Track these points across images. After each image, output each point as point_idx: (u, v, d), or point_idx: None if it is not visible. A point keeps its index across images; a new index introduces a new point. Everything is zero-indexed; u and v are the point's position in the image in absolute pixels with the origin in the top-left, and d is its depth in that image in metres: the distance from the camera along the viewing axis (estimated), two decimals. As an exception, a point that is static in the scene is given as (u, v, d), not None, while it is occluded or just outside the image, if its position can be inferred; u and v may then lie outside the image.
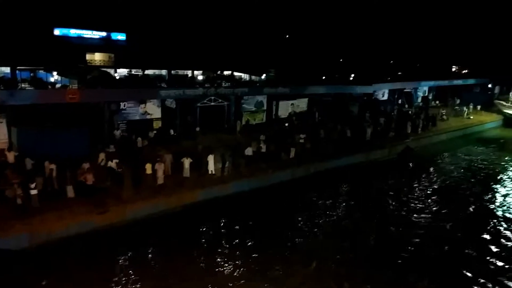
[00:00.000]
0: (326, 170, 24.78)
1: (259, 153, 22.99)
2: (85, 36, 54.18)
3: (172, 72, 50.12)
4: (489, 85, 54.05)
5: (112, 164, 18.02)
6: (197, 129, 26.61)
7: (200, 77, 48.94)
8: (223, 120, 29.34)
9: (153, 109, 26.23)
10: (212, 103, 28.20)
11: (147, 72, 49.12)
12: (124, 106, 24.92)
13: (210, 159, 20.20)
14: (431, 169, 27.82)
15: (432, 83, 46.90)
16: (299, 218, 18.59)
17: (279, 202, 20.31)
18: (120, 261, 14.26)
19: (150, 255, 14.80)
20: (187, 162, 19.21)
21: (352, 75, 50.07)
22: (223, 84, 33.83)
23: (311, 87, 32.94)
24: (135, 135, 24.04)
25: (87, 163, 17.46)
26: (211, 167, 20.22)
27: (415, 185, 24.16)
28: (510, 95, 39.63)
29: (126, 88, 25.88)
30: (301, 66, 53.11)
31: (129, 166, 18.71)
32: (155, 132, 25.41)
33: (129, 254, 14.68)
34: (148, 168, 18.25)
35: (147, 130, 25.08)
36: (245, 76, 52.03)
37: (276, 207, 19.72)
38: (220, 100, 28.35)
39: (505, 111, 38.39)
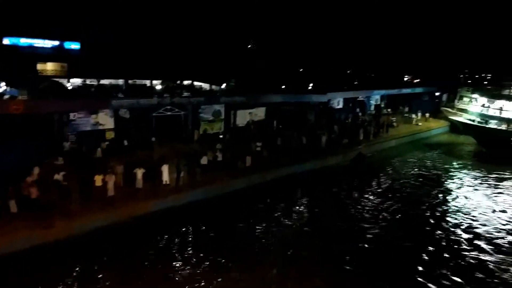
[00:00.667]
0: (282, 177, 25.25)
1: (215, 162, 23.08)
2: (36, 45, 52.22)
3: (130, 81, 49.42)
4: (437, 93, 57.38)
5: (59, 176, 17.40)
6: (153, 139, 26.28)
7: (158, 87, 48.39)
8: (180, 130, 29.13)
9: (105, 120, 25.61)
10: (168, 113, 27.98)
11: (103, 82, 48.03)
12: (74, 117, 24.18)
13: (164, 169, 20.02)
14: (382, 173, 29.02)
15: (383, 92, 49.18)
16: (254, 224, 18.82)
17: (234, 209, 20.47)
18: (66, 276, 13.75)
19: (98, 268, 14.37)
20: (139, 172, 18.93)
21: (311, 85, 51.55)
22: (183, 93, 33.67)
23: (267, 95, 33.57)
24: (86, 147, 23.41)
25: (32, 176, 16.76)
26: (165, 177, 20.04)
27: (366, 188, 25.19)
28: (455, 102, 42.16)
29: (75, 99, 25.12)
30: (260, 75, 54.11)
31: (77, 178, 18.16)
32: (107, 143, 24.80)
33: (76, 269, 14.21)
34: (98, 180, 17.82)
35: (99, 141, 24.42)
36: (205, 86, 52.00)
37: (231, 214, 19.87)
38: (176, 110, 28.20)
39: (450, 117, 40.80)
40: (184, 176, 20.90)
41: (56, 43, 52.67)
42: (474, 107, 38.21)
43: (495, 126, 35.16)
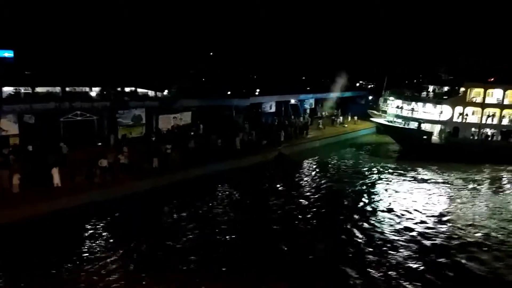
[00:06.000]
0: (194, 178, 25.76)
1: (118, 164, 23.34)
2: (-34, 53, 50.23)
3: (68, 89, 48.47)
4: (370, 97, 60.42)
5: None
6: (61, 144, 26.11)
7: (93, 93, 47.83)
8: (93, 135, 29.09)
9: (8, 126, 25.26)
10: (79, 118, 27.96)
11: (39, 89, 46.84)
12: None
13: (55, 172, 20.09)
14: (301, 171, 30.66)
15: (310, 96, 51.23)
16: (161, 222, 19.50)
17: (136, 209, 20.74)
18: None
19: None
20: (15, 177, 18.91)
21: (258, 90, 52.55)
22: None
23: (184, 100, 34.25)
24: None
25: None
26: (56, 179, 20.11)
27: (280, 186, 26.49)
28: (380, 105, 44.61)
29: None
30: (204, 81, 54.98)
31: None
32: (10, 149, 24.41)
33: None
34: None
35: (1, 147, 24.01)
36: (151, 93, 51.84)
37: (132, 214, 20.12)
38: (88, 115, 28.21)
39: (371, 119, 43.03)
40: (80, 178, 21.02)
41: (-12, 51, 50.97)
42: (391, 109, 40.73)
43: (408, 126, 37.64)
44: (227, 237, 18.36)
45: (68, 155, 24.89)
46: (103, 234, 17.88)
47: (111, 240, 17.34)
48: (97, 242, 17.08)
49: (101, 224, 18.74)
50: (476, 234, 19.66)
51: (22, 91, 46.25)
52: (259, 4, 70.32)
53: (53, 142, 25.86)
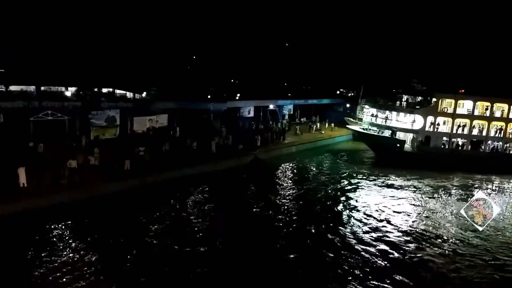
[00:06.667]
0: (167, 180, 25.55)
1: (87, 165, 22.93)
2: None
3: (44, 88, 47.41)
4: (348, 105, 61.48)
5: None
6: (31, 144, 25.50)
7: (68, 93, 46.93)
8: (64, 135, 28.51)
9: (-26, 123, 24.60)
10: (50, 118, 27.38)
11: (12, 88, 45.62)
12: None
13: (21, 172, 19.59)
14: (276, 176, 30.94)
15: (288, 102, 51.78)
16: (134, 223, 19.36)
17: (102, 212, 20.27)
18: None
19: None
20: None
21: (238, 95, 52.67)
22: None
23: (160, 102, 34.07)
24: None
25: None
26: (22, 179, 19.59)
27: (255, 190, 26.72)
28: (357, 113, 45.38)
29: None
30: (180, 84, 54.65)
31: None
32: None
33: None
34: None
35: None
36: (129, 94, 51.23)
37: (98, 217, 19.68)
38: (59, 115, 27.66)
39: (348, 126, 43.68)
40: (47, 179, 20.54)
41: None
42: (366, 117, 41.51)
43: (382, 134, 38.42)
44: (195, 242, 18.19)
45: (41, 154, 24.29)
46: (64, 237, 17.47)
47: (72, 244, 16.87)
48: (57, 245, 16.63)
49: (63, 227, 18.30)
50: (438, 240, 20.27)
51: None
52: (245, 7, 70.86)
53: (22, 142, 25.24)
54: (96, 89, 50.28)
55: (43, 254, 15.74)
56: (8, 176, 19.76)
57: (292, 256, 17.51)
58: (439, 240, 20.28)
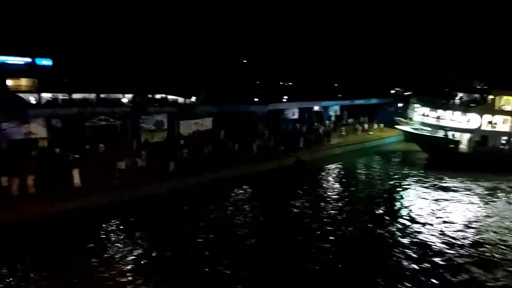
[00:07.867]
0: (209, 181, 26.38)
1: (135, 167, 24.35)
2: (9, 62, 54.29)
3: (103, 95, 51.09)
4: (400, 105, 58.84)
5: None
6: (87, 147, 27.61)
7: (124, 100, 50.05)
8: (117, 139, 30.45)
9: (37, 129, 27.10)
10: (103, 122, 29.43)
11: (75, 96, 49.63)
12: (5, 126, 25.67)
13: (75, 173, 21.33)
14: (319, 177, 30.55)
15: (333, 103, 50.62)
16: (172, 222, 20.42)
17: (149, 210, 21.55)
18: None
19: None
20: (30, 178, 20.23)
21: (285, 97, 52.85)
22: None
23: (203, 106, 35.12)
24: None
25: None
26: (76, 180, 21.34)
27: (297, 191, 26.49)
28: (408, 113, 43.46)
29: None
30: (224, 88, 56.08)
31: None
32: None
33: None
34: (4, 181, 19.21)
35: (30, 149, 25.79)
36: (181, 99, 53.59)
37: (146, 214, 20.96)
38: (112, 120, 29.65)
39: (398, 127, 41.87)
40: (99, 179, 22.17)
41: (29, 59, 54.87)
42: (417, 116, 39.55)
43: (434, 134, 36.37)
44: (239, 240, 18.82)
45: (99, 155, 26.22)
46: (117, 233, 18.80)
47: (125, 241, 18.10)
48: (111, 241, 17.96)
49: (112, 225, 19.62)
50: (495, 250, 18.78)
51: (60, 97, 49.31)
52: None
53: (78, 145, 27.43)
54: (150, 95, 53.15)
55: (95, 248, 17.18)
56: (65, 177, 21.54)
57: (331, 256, 17.52)
58: (501, 247, 18.85)
